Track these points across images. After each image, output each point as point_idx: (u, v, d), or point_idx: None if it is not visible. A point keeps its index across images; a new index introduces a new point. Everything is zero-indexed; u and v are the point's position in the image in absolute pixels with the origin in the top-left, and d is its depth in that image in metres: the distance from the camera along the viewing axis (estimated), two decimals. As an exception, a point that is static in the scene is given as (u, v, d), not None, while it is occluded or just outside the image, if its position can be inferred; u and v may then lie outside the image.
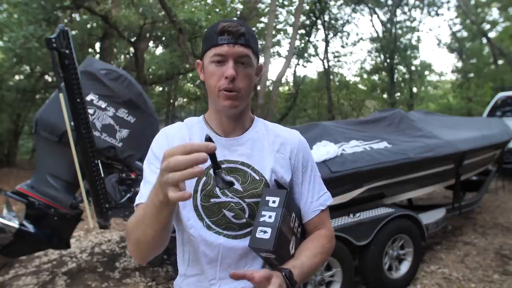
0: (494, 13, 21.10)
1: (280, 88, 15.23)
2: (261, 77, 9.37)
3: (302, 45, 16.16)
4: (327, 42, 17.48)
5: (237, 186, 0.99)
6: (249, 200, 0.99)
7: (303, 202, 1.07)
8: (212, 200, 0.98)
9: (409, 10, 17.51)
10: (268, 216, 0.92)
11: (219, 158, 0.99)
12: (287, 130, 1.12)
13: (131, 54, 12.31)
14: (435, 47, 39.00)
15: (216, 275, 0.98)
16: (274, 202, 0.93)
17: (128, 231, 0.91)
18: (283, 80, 15.83)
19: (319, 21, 16.65)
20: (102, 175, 2.94)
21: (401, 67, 17.85)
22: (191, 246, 1.01)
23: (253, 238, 0.91)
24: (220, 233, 0.98)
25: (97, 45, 11.66)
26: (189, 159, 0.68)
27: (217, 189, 0.98)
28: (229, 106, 0.96)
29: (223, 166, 1.00)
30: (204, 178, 0.99)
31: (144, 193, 0.98)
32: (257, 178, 1.00)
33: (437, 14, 18.30)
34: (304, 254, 0.98)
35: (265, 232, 0.89)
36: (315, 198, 1.07)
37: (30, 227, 2.98)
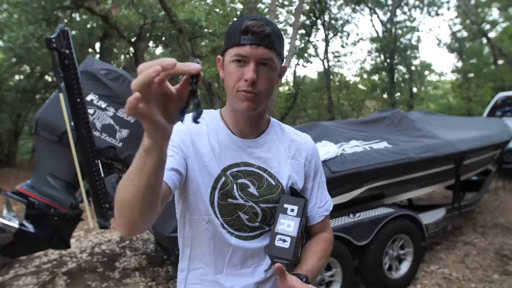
0: (494, 13, 21.11)
1: (280, 88, 15.23)
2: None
3: (302, 45, 16.15)
4: (327, 42, 17.48)
5: (253, 190, 0.99)
6: (264, 206, 0.99)
7: (311, 207, 1.08)
8: (229, 200, 0.98)
9: (409, 10, 17.52)
10: (287, 225, 0.92)
11: (235, 160, 0.98)
12: (301, 135, 1.12)
13: (131, 54, 12.30)
14: (435, 47, 39.03)
15: (224, 270, 1.00)
16: (292, 210, 0.95)
17: (116, 194, 0.79)
18: (283, 80, 15.82)
19: (319, 21, 16.64)
20: (102, 175, 2.94)
21: (401, 67, 17.84)
22: (198, 240, 1.01)
23: (272, 246, 0.91)
24: (232, 233, 0.99)
25: (97, 45, 11.65)
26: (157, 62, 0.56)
27: (235, 189, 0.98)
28: (247, 108, 0.92)
29: (240, 168, 0.99)
30: (223, 178, 0.97)
31: None
32: (273, 183, 1.00)
33: (437, 14, 18.31)
34: (312, 258, 0.99)
35: (284, 241, 0.90)
36: (322, 204, 1.09)
37: (30, 227, 2.98)
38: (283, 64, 1.00)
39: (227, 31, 0.96)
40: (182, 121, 0.63)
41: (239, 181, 0.98)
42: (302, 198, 0.98)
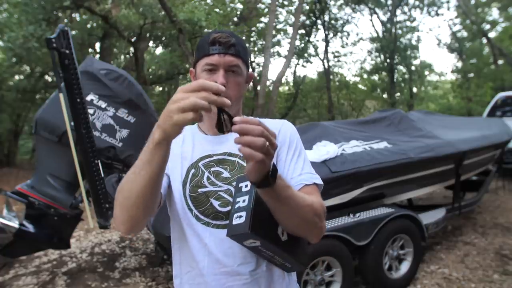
0: (494, 13, 21.11)
1: (280, 88, 15.22)
2: (262, 77, 9.36)
3: (302, 45, 16.15)
4: (327, 42, 17.48)
5: (226, 174, 1.02)
6: None
7: (284, 178, 1.04)
8: (199, 190, 1.00)
9: (409, 10, 17.52)
10: (242, 201, 0.89)
11: (207, 152, 1.04)
12: (276, 120, 1.14)
13: (131, 54, 12.29)
14: (435, 47, 39.04)
15: (205, 269, 0.98)
16: (246, 186, 0.92)
17: (117, 192, 0.86)
18: (283, 80, 15.82)
19: (319, 21, 16.64)
20: (102, 175, 2.94)
21: (401, 67, 17.85)
22: (183, 242, 1.02)
23: (230, 227, 0.87)
24: (208, 223, 0.99)
25: (97, 45, 11.66)
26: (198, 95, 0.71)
27: (205, 178, 1.01)
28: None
29: (211, 159, 1.04)
30: (193, 170, 1.02)
31: None
32: (245, 164, 1.00)
33: (437, 14, 18.26)
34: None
35: (240, 217, 0.86)
36: (296, 174, 1.02)
37: (30, 227, 2.98)
38: (249, 72, 1.10)
39: (197, 46, 1.06)
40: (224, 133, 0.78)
41: (212, 169, 1.02)
42: None
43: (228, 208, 0.98)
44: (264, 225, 0.88)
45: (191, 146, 1.07)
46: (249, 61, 1.11)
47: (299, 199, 0.88)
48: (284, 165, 1.04)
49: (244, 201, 0.88)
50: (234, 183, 0.99)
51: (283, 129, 1.08)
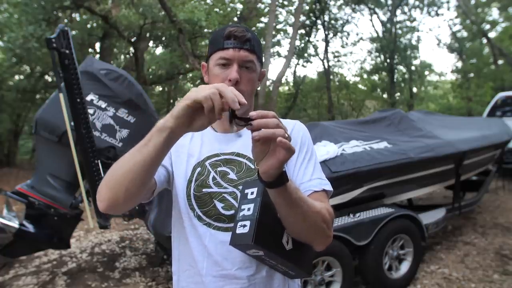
0: (494, 13, 21.12)
1: (280, 88, 15.22)
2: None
3: (302, 45, 16.16)
4: (327, 42, 17.49)
5: (232, 176, 1.00)
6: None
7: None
8: (204, 190, 0.99)
9: (409, 10, 17.54)
10: (247, 209, 0.86)
11: (215, 151, 1.03)
12: (286, 121, 1.10)
13: (131, 54, 12.29)
14: (435, 47, 39.03)
15: (204, 270, 0.97)
16: (252, 193, 0.89)
17: (109, 169, 0.85)
18: (283, 80, 15.82)
19: (319, 21, 16.66)
20: (102, 175, 2.94)
21: (401, 67, 17.85)
22: (183, 239, 1.02)
23: (233, 236, 0.85)
24: (210, 224, 0.98)
25: (97, 45, 11.65)
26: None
27: (210, 178, 1.00)
28: None
29: (219, 158, 1.02)
30: (199, 168, 1.01)
31: None
32: (252, 167, 1.01)
33: (437, 14, 18.30)
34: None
35: (244, 226, 0.83)
36: (306, 179, 0.99)
37: (30, 227, 2.98)
38: (262, 69, 1.07)
39: (210, 39, 1.04)
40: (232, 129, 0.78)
41: (219, 169, 1.01)
42: None
43: (232, 211, 0.97)
44: (268, 235, 0.85)
45: (200, 143, 1.05)
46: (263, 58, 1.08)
47: (309, 202, 0.86)
48: (294, 168, 1.01)
49: (249, 209, 0.86)
50: (240, 186, 0.97)
51: (295, 130, 1.07)
